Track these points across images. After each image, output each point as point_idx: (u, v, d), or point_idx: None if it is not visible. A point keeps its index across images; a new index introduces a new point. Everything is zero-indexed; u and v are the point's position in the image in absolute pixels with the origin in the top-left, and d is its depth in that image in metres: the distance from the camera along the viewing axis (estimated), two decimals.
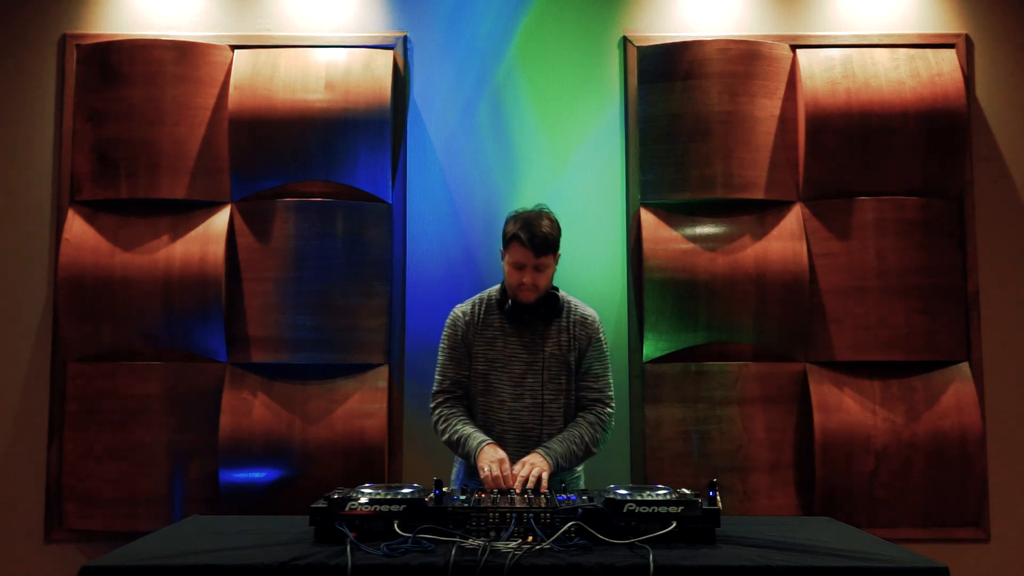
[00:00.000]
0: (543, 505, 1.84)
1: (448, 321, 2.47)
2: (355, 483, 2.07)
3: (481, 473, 2.17)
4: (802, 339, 3.06)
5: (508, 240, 2.35)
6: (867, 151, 3.09)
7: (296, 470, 2.98)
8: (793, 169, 3.14)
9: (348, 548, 1.68)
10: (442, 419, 2.39)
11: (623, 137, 3.23)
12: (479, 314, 2.44)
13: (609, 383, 2.44)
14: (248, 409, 3.01)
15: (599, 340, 2.44)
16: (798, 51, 3.16)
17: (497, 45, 3.26)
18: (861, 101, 3.09)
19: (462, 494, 1.96)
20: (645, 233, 3.10)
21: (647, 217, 3.12)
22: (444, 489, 1.88)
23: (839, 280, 3.09)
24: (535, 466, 2.17)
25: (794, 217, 3.10)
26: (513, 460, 2.22)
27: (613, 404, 2.43)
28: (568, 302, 2.45)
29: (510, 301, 2.38)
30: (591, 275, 3.19)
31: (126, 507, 3.00)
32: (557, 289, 2.44)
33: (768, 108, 3.12)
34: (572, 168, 3.23)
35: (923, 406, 3.04)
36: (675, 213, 3.13)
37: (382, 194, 3.11)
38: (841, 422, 3.01)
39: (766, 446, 3.03)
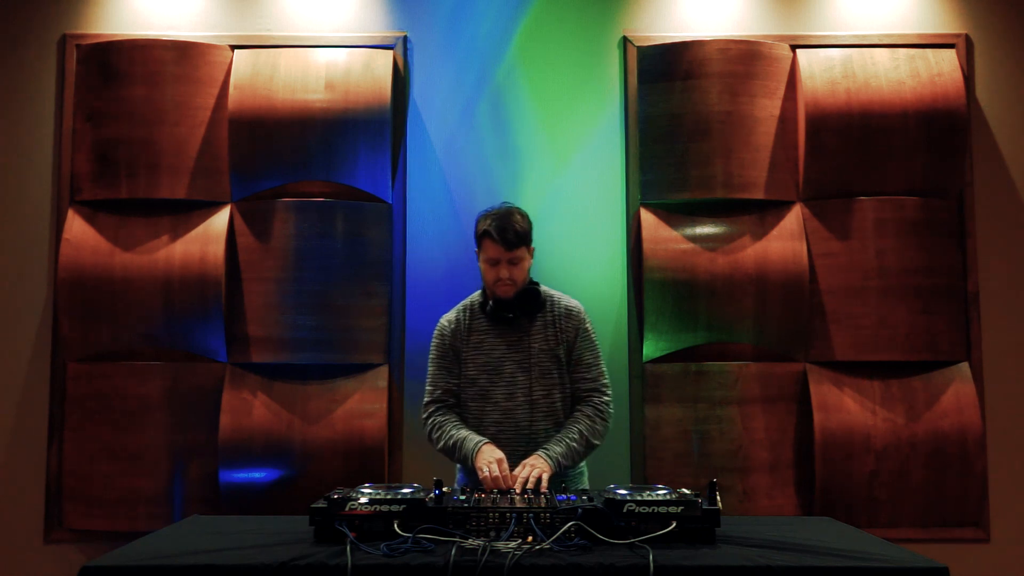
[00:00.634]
0: (543, 505, 1.84)
1: (435, 332, 2.48)
2: (355, 483, 2.07)
3: (480, 473, 2.17)
4: (802, 339, 3.06)
5: (480, 238, 2.37)
6: (867, 151, 3.09)
7: (296, 470, 2.98)
8: (793, 169, 3.14)
9: (348, 548, 1.68)
10: (436, 427, 2.39)
11: (623, 137, 3.23)
12: (465, 321, 2.45)
13: (603, 371, 2.44)
14: (248, 409, 3.01)
15: (586, 330, 2.44)
16: (798, 51, 3.16)
17: (497, 45, 3.26)
18: (861, 101, 3.09)
19: (462, 494, 1.96)
20: (645, 233, 3.10)
21: (647, 217, 3.12)
22: (444, 489, 1.88)
23: (839, 280, 3.09)
24: (535, 467, 2.17)
25: (794, 217, 3.10)
26: (511, 461, 2.22)
27: (609, 391, 2.43)
28: (551, 296, 2.46)
29: (491, 302, 2.39)
30: (591, 275, 3.19)
31: (126, 507, 3.00)
32: (537, 284, 2.45)
33: (768, 108, 3.12)
34: (572, 168, 3.23)
35: (923, 406, 3.04)
36: (675, 213, 3.13)
37: (382, 194, 3.11)
38: (841, 422, 3.01)
39: (766, 446, 3.03)
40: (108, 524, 3.01)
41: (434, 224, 3.21)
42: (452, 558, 1.60)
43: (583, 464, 2.48)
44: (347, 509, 1.81)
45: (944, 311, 3.07)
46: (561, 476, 2.33)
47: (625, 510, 1.81)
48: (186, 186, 3.09)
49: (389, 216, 3.11)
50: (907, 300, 3.06)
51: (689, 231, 3.11)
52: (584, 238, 3.19)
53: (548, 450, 2.27)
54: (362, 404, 3.02)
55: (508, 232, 2.30)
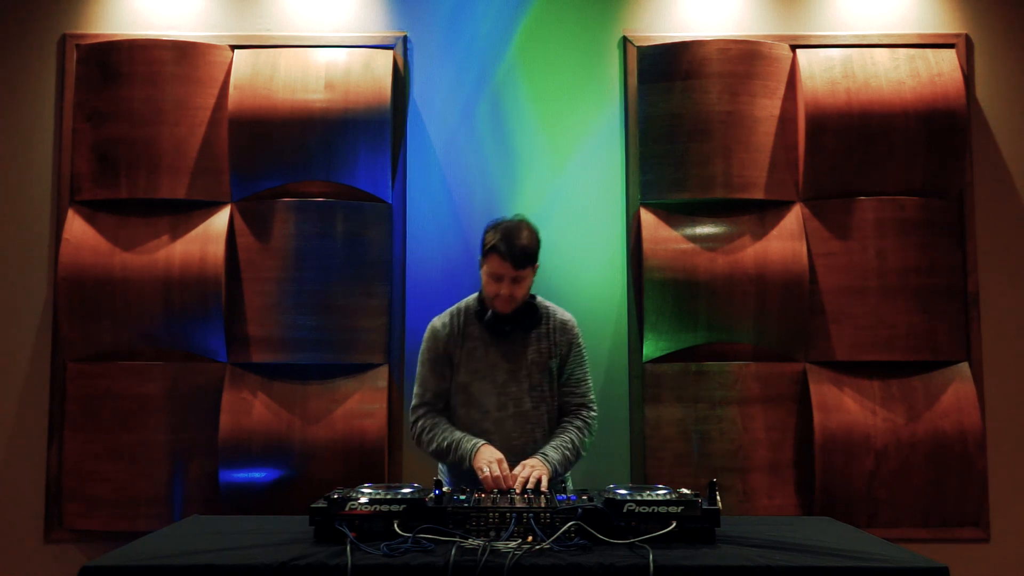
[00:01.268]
0: (543, 505, 1.84)
1: (427, 334, 2.46)
2: (355, 483, 2.07)
3: (480, 474, 2.17)
4: (802, 339, 3.06)
5: (487, 251, 2.34)
6: (867, 151, 3.09)
7: (296, 470, 2.98)
8: (793, 169, 3.14)
9: (348, 548, 1.68)
10: (426, 429, 2.38)
11: (623, 137, 3.23)
12: (458, 325, 2.43)
13: (591, 387, 2.48)
14: (248, 409, 3.01)
15: (579, 345, 2.47)
16: (798, 51, 3.16)
17: (497, 45, 3.26)
18: (861, 101, 3.09)
19: (462, 494, 1.96)
20: (645, 233, 3.10)
21: (647, 217, 3.12)
22: (444, 489, 1.88)
23: (839, 280, 3.09)
24: (535, 469, 2.17)
25: (794, 217, 3.10)
26: None
27: (596, 408, 2.47)
28: (546, 308, 2.46)
29: (489, 312, 2.38)
30: (591, 275, 3.19)
31: (126, 507, 3.00)
32: (534, 297, 2.45)
33: (768, 108, 3.12)
34: (572, 168, 3.23)
35: (923, 406, 3.04)
36: (675, 213, 3.13)
37: (382, 194, 3.11)
38: (841, 422, 3.01)
39: (766, 446, 3.03)
40: (108, 524, 3.00)
41: (434, 224, 3.21)
42: (452, 558, 1.60)
43: (567, 474, 2.49)
44: (347, 509, 1.81)
45: (944, 311, 3.07)
46: (557, 480, 2.34)
47: (625, 510, 1.81)
48: (186, 186, 3.09)
49: (389, 216, 3.11)
50: (907, 300, 3.06)
51: (689, 231, 3.11)
52: (584, 238, 3.19)
53: (546, 455, 2.28)
54: (362, 404, 3.02)
55: (515, 251, 2.28)
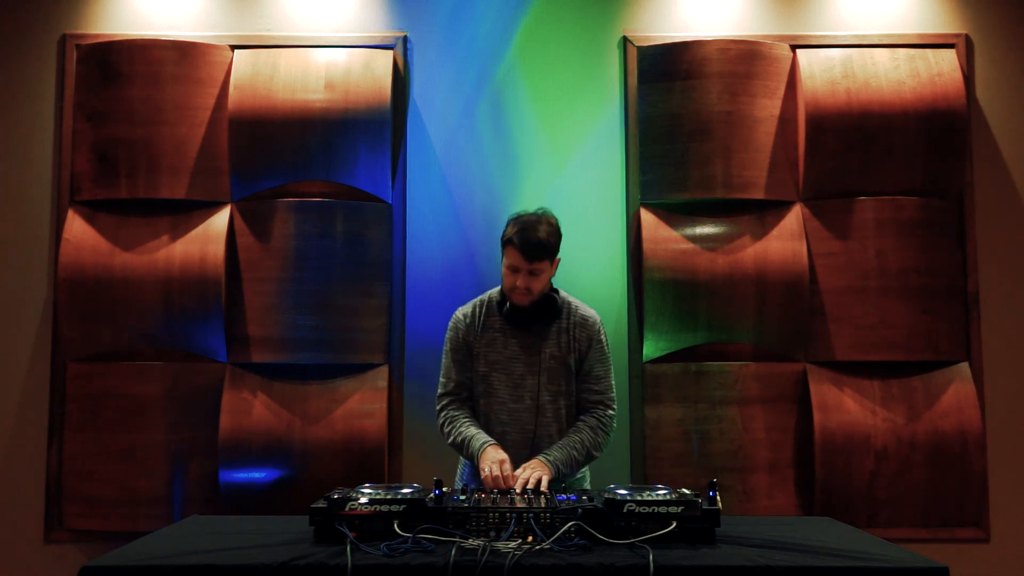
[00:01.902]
0: (543, 505, 1.84)
1: (450, 324, 2.48)
2: (355, 483, 2.07)
3: (482, 474, 2.17)
4: (802, 339, 3.06)
5: (505, 243, 2.35)
6: (867, 151, 3.09)
7: (296, 470, 2.98)
8: (793, 169, 3.14)
9: (348, 548, 1.68)
10: (447, 421, 2.40)
11: (623, 137, 3.23)
12: (480, 316, 2.44)
13: (611, 385, 2.44)
14: (248, 409, 3.01)
15: (600, 342, 2.43)
16: (798, 51, 3.16)
17: (497, 45, 3.26)
18: (861, 101, 3.09)
19: (462, 494, 1.96)
20: (645, 233, 3.10)
21: (647, 217, 3.12)
22: (444, 489, 1.88)
23: (839, 280, 3.09)
24: (535, 470, 2.17)
25: (794, 217, 3.10)
26: (514, 462, 2.22)
27: (615, 406, 2.43)
28: (568, 303, 2.45)
29: (508, 304, 2.38)
30: (591, 275, 3.19)
31: (126, 507, 3.00)
32: (557, 291, 2.44)
33: (768, 108, 3.12)
34: (572, 168, 3.23)
35: (923, 406, 3.04)
36: (675, 213, 3.13)
37: (382, 194, 3.11)
38: (841, 422, 3.01)
39: (766, 446, 3.03)
40: (108, 524, 3.01)
41: (434, 224, 3.21)
42: (452, 558, 1.60)
43: (585, 468, 2.48)
44: (347, 509, 1.81)
45: (944, 311, 3.07)
46: (560, 481, 2.34)
47: (625, 510, 1.81)
48: (186, 186, 3.09)
49: (389, 216, 3.11)
50: (907, 300, 3.06)
51: (689, 231, 3.11)
52: (584, 238, 3.19)
53: (549, 455, 2.27)
54: (362, 404, 3.02)
55: (531, 243, 2.28)
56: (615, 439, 3.08)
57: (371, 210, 3.10)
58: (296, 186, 3.13)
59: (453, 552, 1.63)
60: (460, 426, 2.36)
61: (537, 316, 2.38)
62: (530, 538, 1.74)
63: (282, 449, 2.99)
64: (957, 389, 3.05)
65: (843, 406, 3.03)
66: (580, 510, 1.80)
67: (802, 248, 3.06)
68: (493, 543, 1.69)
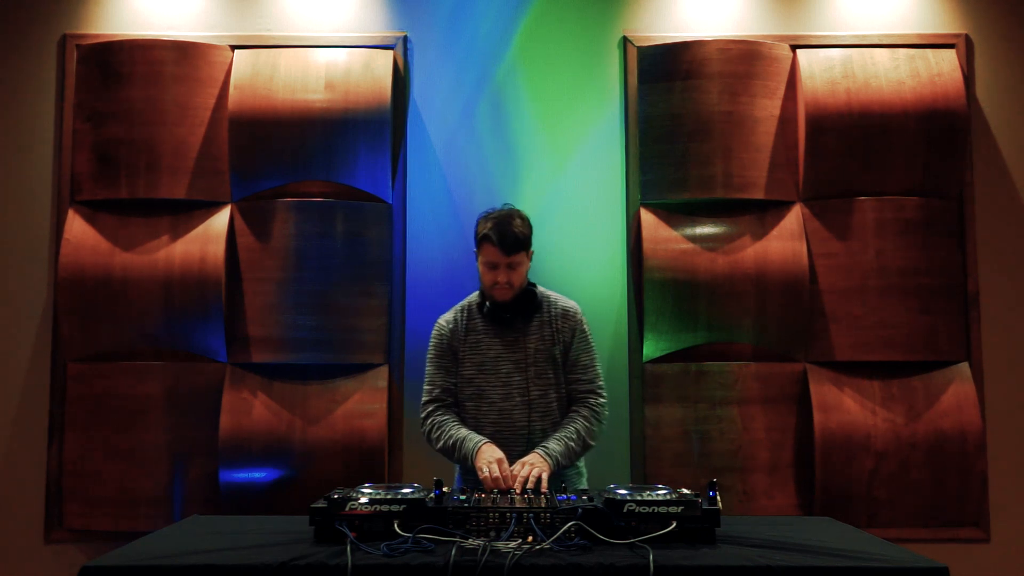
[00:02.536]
0: (543, 505, 1.84)
1: (434, 331, 2.49)
2: (355, 483, 2.07)
3: (480, 473, 2.17)
4: (802, 339, 3.06)
5: (480, 241, 2.37)
6: (867, 151, 3.09)
7: (296, 470, 2.98)
8: (793, 169, 3.14)
9: (348, 548, 1.68)
10: (435, 427, 2.40)
11: (623, 137, 3.23)
12: (462, 321, 2.46)
13: (598, 373, 2.46)
14: (248, 409, 3.01)
15: (583, 331, 2.46)
16: (798, 51, 3.16)
17: (497, 45, 3.26)
18: (861, 101, 3.09)
19: (462, 494, 1.96)
20: (645, 233, 3.10)
21: (647, 217, 3.12)
22: (444, 489, 1.88)
23: (839, 280, 3.09)
24: (535, 466, 2.17)
25: (794, 217, 3.10)
26: (510, 460, 2.22)
27: (605, 393, 2.45)
28: (547, 297, 2.48)
29: (488, 303, 2.40)
30: (591, 275, 3.19)
31: (126, 507, 3.00)
32: (534, 285, 2.46)
33: (768, 108, 3.12)
34: (572, 168, 3.23)
35: (923, 406, 3.04)
36: (675, 213, 3.13)
37: (382, 194, 3.11)
38: (841, 422, 3.01)
39: (766, 446, 3.03)
40: (108, 524, 3.01)
41: (434, 224, 3.21)
42: (452, 558, 1.60)
43: (582, 465, 2.49)
44: (347, 509, 1.81)
45: (944, 311, 3.07)
46: (560, 476, 2.34)
47: (625, 510, 1.81)
48: (186, 186, 3.09)
49: (389, 216, 3.11)
50: (907, 300, 3.06)
51: (689, 231, 3.11)
52: (584, 238, 3.19)
53: (547, 448, 2.27)
54: (362, 404, 3.02)
55: (507, 237, 2.31)
56: (615, 439, 3.10)
57: (371, 210, 3.10)
58: (296, 186, 3.13)
59: (453, 552, 1.63)
60: (449, 429, 2.36)
61: (519, 311, 2.40)
62: (530, 538, 1.74)
63: (282, 449, 2.99)
64: (957, 389, 3.05)
65: (843, 406, 3.03)
66: (580, 510, 1.80)
67: (802, 248, 3.06)
68: (493, 543, 1.69)
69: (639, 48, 3.19)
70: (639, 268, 3.11)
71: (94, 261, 3.05)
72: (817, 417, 3.01)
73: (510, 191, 3.21)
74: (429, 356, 2.48)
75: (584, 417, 2.38)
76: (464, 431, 2.34)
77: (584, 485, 2.47)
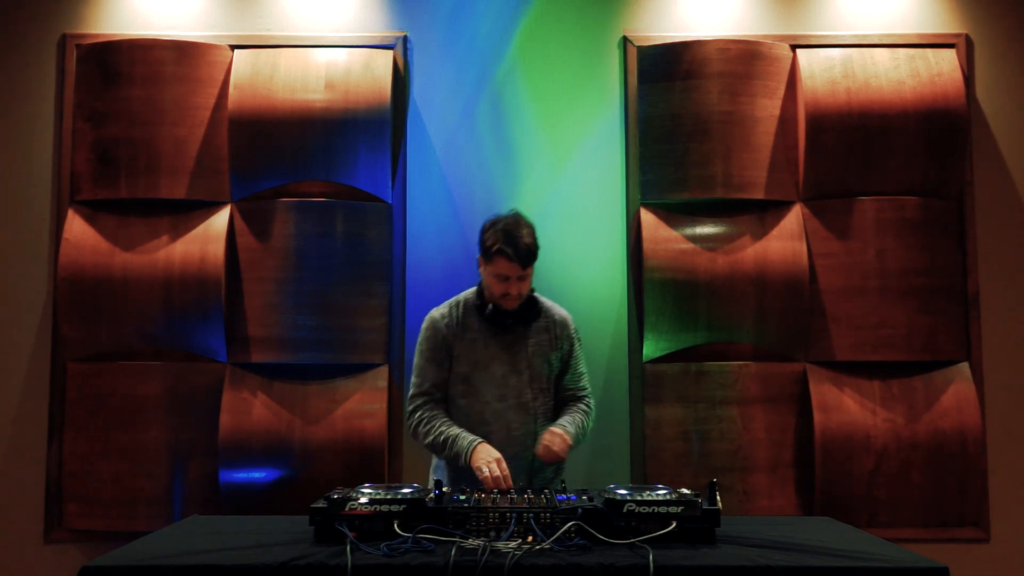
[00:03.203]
0: (543, 505, 1.84)
1: (426, 324, 2.48)
2: (355, 483, 2.07)
3: (479, 474, 2.17)
4: (802, 339, 3.06)
5: (493, 253, 2.34)
6: (867, 151, 3.09)
7: (296, 470, 2.98)
8: (793, 169, 3.14)
9: (348, 548, 1.68)
10: (423, 421, 2.39)
11: (623, 137, 3.23)
12: (457, 317, 2.46)
13: (587, 379, 2.57)
14: (248, 409, 3.01)
15: (578, 340, 2.56)
16: (798, 51, 3.16)
17: (497, 45, 3.26)
18: (861, 101, 3.09)
19: (462, 494, 1.96)
20: (645, 233, 3.10)
21: (647, 217, 3.12)
22: (444, 489, 1.88)
23: (839, 280, 3.09)
24: (557, 435, 2.28)
25: (794, 217, 3.10)
26: None
27: (592, 399, 2.55)
28: (544, 303, 2.52)
29: (491, 306, 2.40)
30: (591, 275, 3.19)
31: (126, 507, 3.00)
32: (533, 290, 2.48)
33: (768, 108, 3.12)
34: (572, 168, 3.23)
35: (923, 406, 3.04)
36: (675, 213, 3.13)
37: (382, 194, 3.11)
38: (841, 422, 3.01)
39: (766, 446, 3.03)
40: (108, 524, 3.00)
41: (434, 224, 3.21)
42: (452, 558, 1.61)
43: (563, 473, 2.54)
44: (347, 509, 1.81)
45: (944, 311, 3.07)
46: (543, 474, 2.40)
47: (625, 510, 1.81)
48: (186, 186, 3.09)
49: (389, 216, 3.11)
50: (907, 300, 3.06)
51: (689, 231, 3.11)
52: (584, 238, 3.19)
53: (564, 426, 2.35)
54: (362, 404, 3.02)
55: (521, 252, 2.32)
56: (615, 439, 3.11)
57: (371, 210, 3.10)
58: (296, 186, 3.13)
59: (453, 552, 1.63)
60: (440, 425, 2.36)
61: (520, 317, 2.43)
62: (530, 538, 1.75)
63: (282, 449, 2.99)
64: (957, 389, 3.05)
65: (843, 406, 3.03)
66: (580, 510, 1.80)
67: (802, 248, 3.06)
68: (493, 543, 1.69)
69: (639, 48, 3.19)
70: (639, 268, 3.11)
71: (94, 261, 3.05)
72: (817, 417, 3.01)
73: (510, 191, 3.21)
74: (420, 349, 2.47)
75: (582, 412, 2.47)
76: (456, 428, 2.34)
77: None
